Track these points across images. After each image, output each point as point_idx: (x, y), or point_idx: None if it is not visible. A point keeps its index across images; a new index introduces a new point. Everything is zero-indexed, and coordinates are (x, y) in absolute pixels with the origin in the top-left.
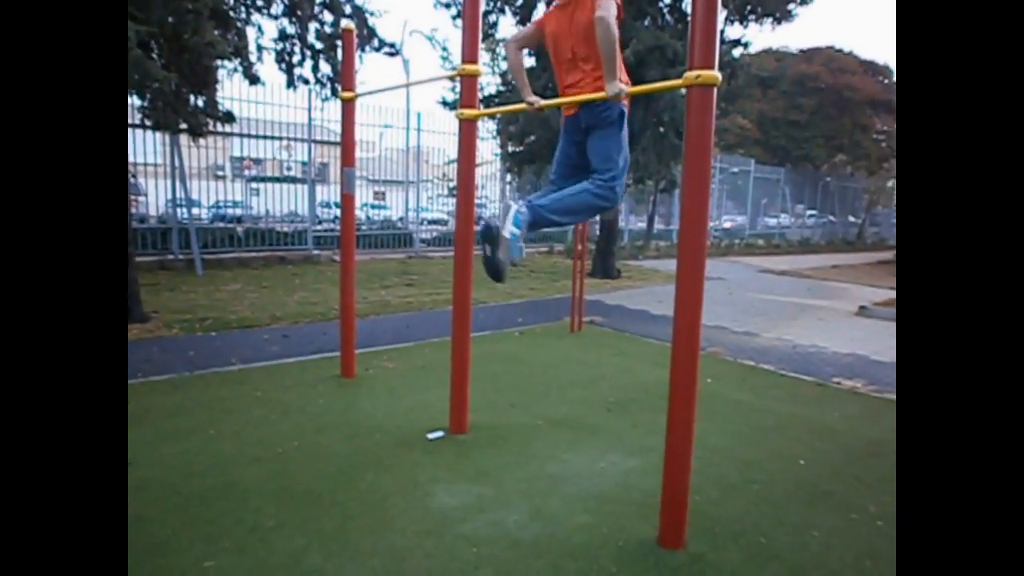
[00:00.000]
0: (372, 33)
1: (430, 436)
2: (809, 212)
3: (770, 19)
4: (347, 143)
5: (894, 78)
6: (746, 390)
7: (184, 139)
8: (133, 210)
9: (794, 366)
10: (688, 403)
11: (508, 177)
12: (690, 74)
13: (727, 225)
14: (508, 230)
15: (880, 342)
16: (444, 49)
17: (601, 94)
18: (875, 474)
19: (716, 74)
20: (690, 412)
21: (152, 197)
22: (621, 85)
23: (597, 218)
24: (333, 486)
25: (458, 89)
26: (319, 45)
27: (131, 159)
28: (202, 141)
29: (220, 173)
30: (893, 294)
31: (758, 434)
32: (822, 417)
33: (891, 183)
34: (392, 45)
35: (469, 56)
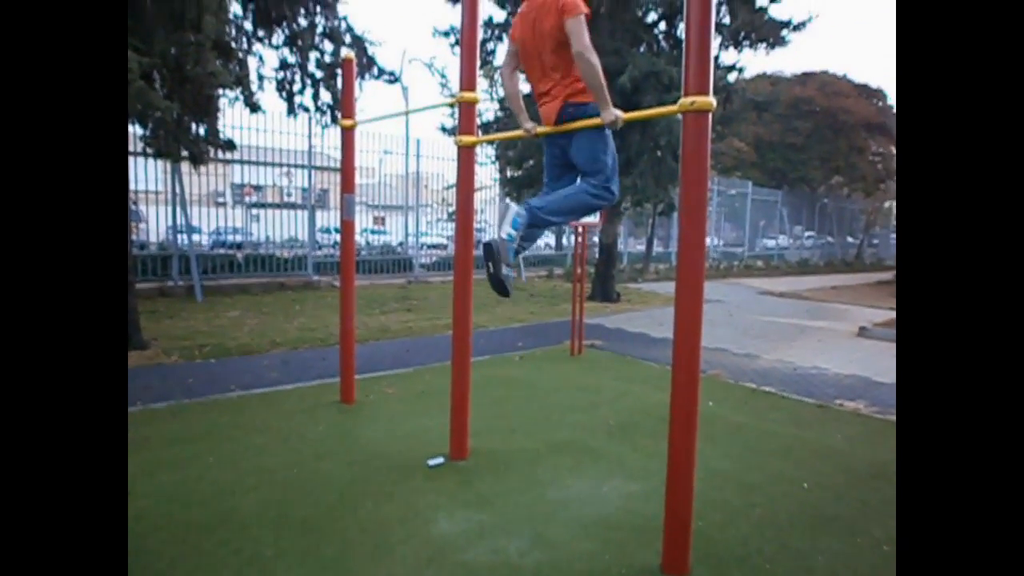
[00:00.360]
0: (372, 62)
1: (430, 462)
2: (807, 233)
3: (764, 44)
4: (347, 170)
5: (888, 101)
6: (747, 413)
7: (185, 166)
8: (133, 237)
9: (795, 388)
10: (689, 426)
11: (507, 201)
12: (685, 100)
13: None
14: (505, 231)
15: (881, 363)
16: (443, 77)
17: (595, 121)
18: (880, 497)
19: (711, 100)
20: (691, 435)
21: (153, 224)
22: (617, 112)
23: (596, 241)
24: (332, 514)
25: (457, 116)
26: (319, 74)
27: (132, 186)
28: (203, 168)
29: (221, 200)
30: (893, 315)
31: (760, 457)
32: (824, 439)
33: (888, 204)
34: (391, 73)
35: (467, 84)
